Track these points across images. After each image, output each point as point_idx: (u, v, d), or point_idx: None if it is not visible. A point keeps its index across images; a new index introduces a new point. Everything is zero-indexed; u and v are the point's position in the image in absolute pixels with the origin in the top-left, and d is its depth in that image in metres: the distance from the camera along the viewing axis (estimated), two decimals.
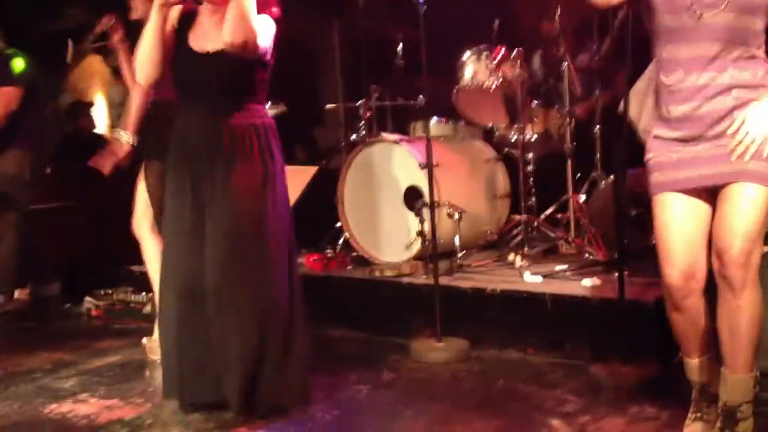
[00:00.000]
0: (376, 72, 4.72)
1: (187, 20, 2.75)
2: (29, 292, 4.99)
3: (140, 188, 3.51)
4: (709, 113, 2.18)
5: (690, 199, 2.25)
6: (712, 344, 2.33)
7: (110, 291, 4.59)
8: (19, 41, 4.87)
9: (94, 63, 8.50)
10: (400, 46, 4.69)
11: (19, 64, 4.54)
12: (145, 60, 2.70)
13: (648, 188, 2.32)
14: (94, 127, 7.70)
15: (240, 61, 2.64)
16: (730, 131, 2.18)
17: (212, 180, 2.67)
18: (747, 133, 2.15)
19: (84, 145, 6.89)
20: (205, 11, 2.73)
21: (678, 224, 2.24)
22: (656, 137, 2.29)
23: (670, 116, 2.24)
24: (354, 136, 4.61)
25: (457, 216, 3.96)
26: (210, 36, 2.69)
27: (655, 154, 2.29)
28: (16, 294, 4.77)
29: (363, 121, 4.58)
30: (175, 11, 2.74)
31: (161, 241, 3.01)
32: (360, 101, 4.59)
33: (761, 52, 2.22)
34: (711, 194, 2.24)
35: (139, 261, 3.67)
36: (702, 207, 2.26)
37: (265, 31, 2.68)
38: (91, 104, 7.97)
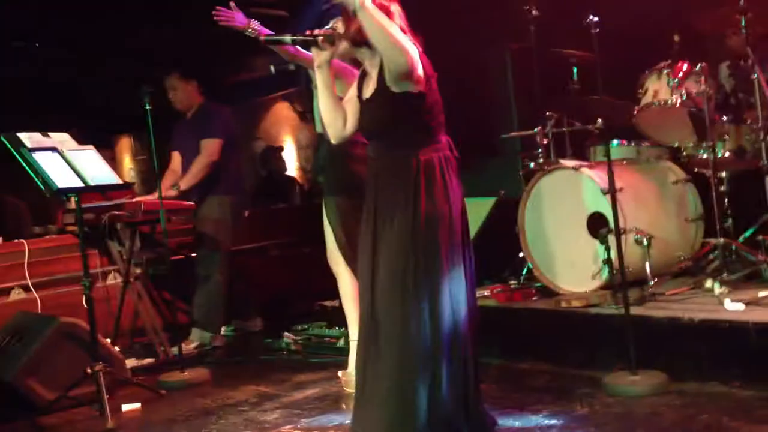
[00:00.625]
0: (551, 97, 4.66)
1: (363, 76, 2.90)
2: (234, 328, 5.40)
3: (326, 225, 3.68)
4: None
5: None
6: None
7: (306, 326, 4.83)
8: (214, 92, 5.34)
9: (282, 109, 9.13)
10: (575, 68, 4.62)
11: None
12: (328, 121, 2.88)
13: None
14: (286, 170, 8.20)
15: (390, 98, 2.69)
16: None
17: (391, 217, 2.73)
18: None
19: (277, 188, 7.39)
20: (366, 63, 2.84)
21: None
22: None
23: None
24: (532, 164, 4.57)
25: (645, 242, 3.82)
26: (369, 83, 2.82)
27: None
28: (223, 330, 5.16)
29: (540, 149, 4.53)
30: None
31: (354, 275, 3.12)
32: (536, 128, 4.54)
33: None
34: None
35: (331, 296, 3.84)
36: None
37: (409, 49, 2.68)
38: (281, 149, 8.51)
